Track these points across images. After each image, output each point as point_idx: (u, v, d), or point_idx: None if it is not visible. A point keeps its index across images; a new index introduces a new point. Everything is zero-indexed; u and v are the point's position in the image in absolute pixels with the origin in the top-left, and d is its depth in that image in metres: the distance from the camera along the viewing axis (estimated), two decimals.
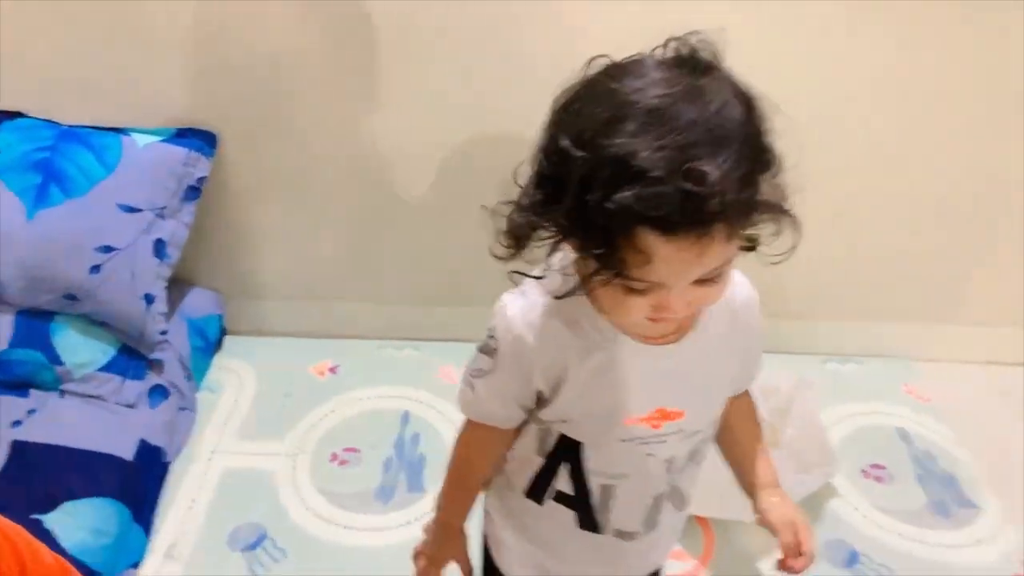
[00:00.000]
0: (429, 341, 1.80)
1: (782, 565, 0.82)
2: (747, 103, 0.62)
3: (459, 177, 1.64)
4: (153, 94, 1.62)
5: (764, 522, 0.85)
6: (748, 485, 0.87)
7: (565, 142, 0.61)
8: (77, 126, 1.58)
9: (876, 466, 1.55)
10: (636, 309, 0.65)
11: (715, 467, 0.97)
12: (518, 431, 0.82)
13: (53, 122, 1.58)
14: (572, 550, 0.85)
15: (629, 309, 0.65)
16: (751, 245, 0.67)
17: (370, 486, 1.48)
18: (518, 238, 0.68)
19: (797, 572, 0.82)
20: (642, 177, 0.56)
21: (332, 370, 1.76)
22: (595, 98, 0.62)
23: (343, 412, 1.65)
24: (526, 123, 0.71)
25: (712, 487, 1.35)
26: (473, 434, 0.83)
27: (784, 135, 0.65)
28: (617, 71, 0.63)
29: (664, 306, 0.64)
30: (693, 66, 0.62)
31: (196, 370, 1.68)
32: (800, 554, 0.81)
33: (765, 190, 0.62)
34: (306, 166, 1.68)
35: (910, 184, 1.64)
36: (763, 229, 0.65)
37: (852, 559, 1.38)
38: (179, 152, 1.59)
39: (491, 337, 0.75)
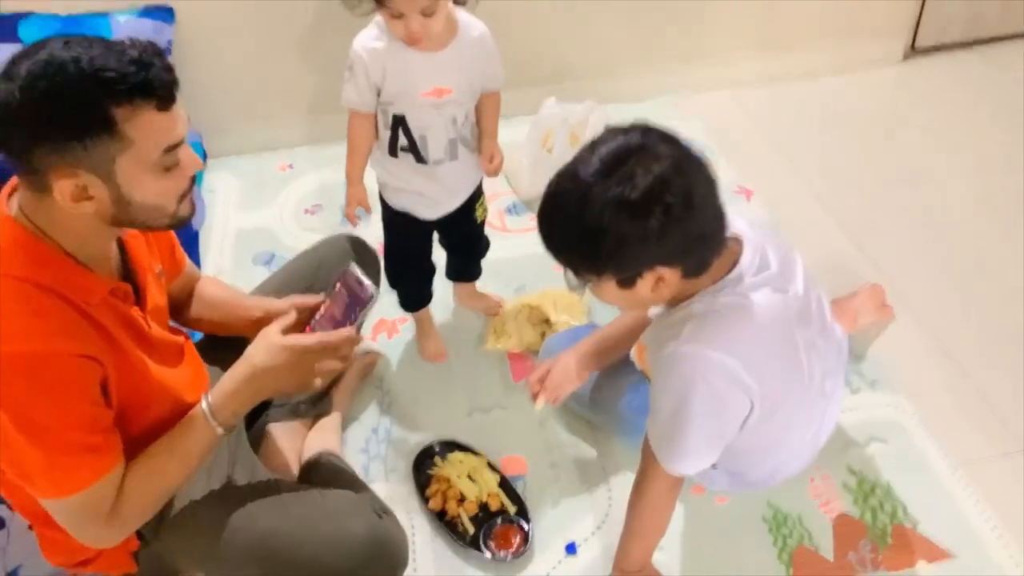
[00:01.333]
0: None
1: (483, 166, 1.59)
2: None
3: None
4: None
5: (481, 149, 1.57)
6: (483, 135, 1.57)
7: None
8: (74, 15, 2.23)
9: None
10: (397, 28, 1.35)
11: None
12: (375, 124, 1.50)
13: (55, 14, 2.23)
14: (414, 176, 1.55)
15: (395, 27, 1.36)
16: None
17: (336, 219, 2.26)
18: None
19: (491, 175, 1.61)
20: None
21: (290, 167, 2.51)
22: None
23: (304, 188, 2.42)
24: None
25: (539, 173, 2.20)
26: (352, 120, 1.50)
27: None
28: None
29: (409, 27, 1.33)
30: None
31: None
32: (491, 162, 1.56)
33: None
34: (244, 24, 2.36)
35: None
36: None
37: None
38: (149, 23, 2.26)
39: (349, 59, 1.45)
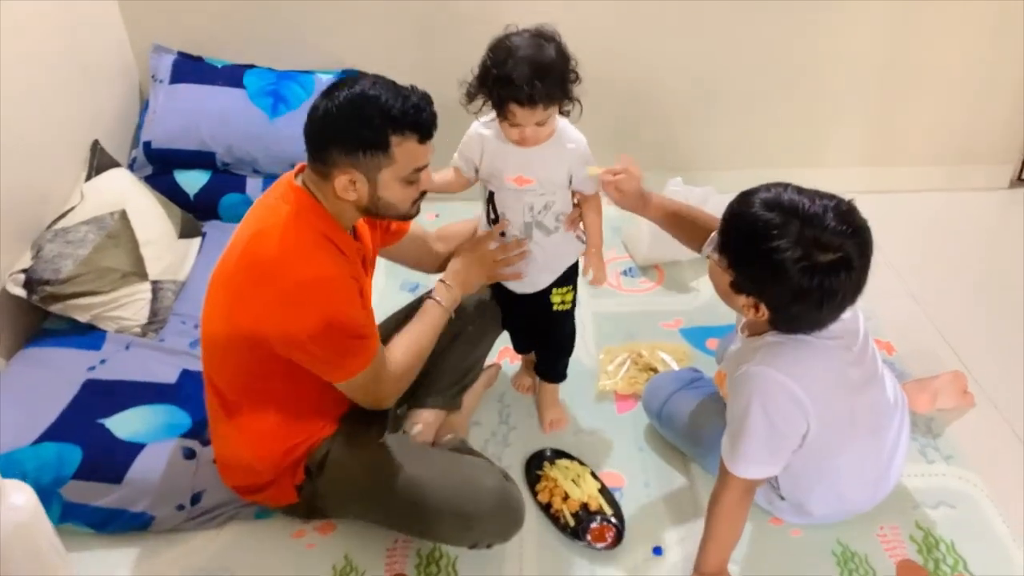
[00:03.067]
0: None
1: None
2: (561, 53, 1.52)
3: None
4: (326, 49, 2.74)
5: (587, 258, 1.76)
6: (588, 246, 1.76)
7: (487, 62, 1.54)
8: (287, 70, 2.71)
9: None
10: (512, 133, 1.57)
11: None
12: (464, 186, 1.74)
13: (273, 69, 2.71)
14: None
15: (510, 132, 1.58)
16: (567, 112, 1.61)
17: None
18: (469, 98, 1.59)
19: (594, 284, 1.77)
20: (511, 82, 1.48)
21: (436, 216, 2.87)
22: (499, 46, 1.53)
23: None
24: None
25: (656, 244, 2.50)
26: (452, 171, 1.74)
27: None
28: (509, 34, 1.53)
29: (523, 134, 1.55)
30: (539, 35, 1.52)
31: None
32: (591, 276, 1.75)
33: (563, 90, 1.54)
34: None
35: (776, 75, 2.76)
36: (569, 106, 1.59)
37: None
38: None
39: (467, 134, 1.69)
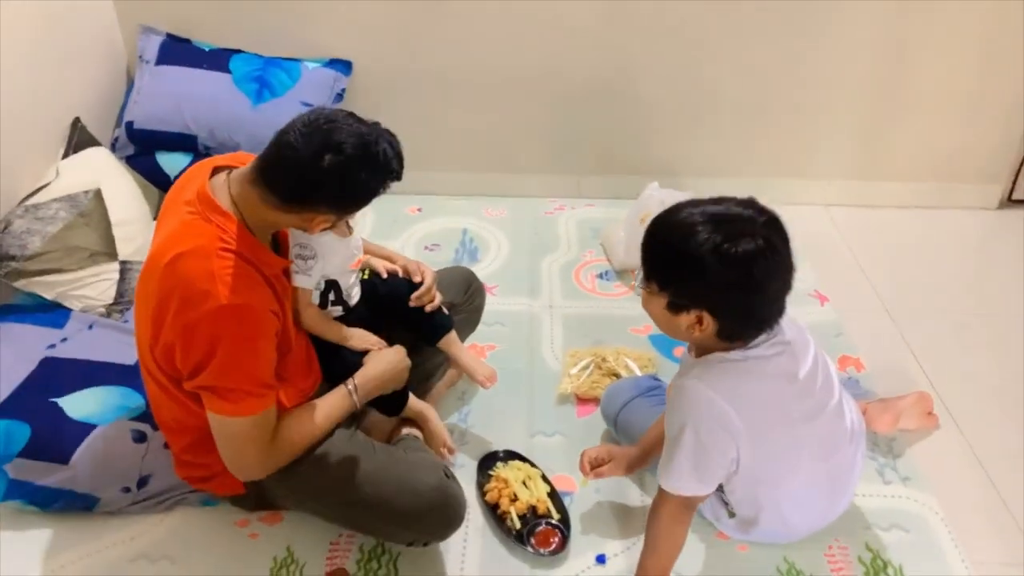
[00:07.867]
0: (476, 196, 2.94)
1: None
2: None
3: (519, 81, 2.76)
4: (316, 38, 2.73)
5: None
6: None
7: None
8: (274, 57, 2.70)
9: None
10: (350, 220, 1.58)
11: None
12: None
13: (260, 55, 2.70)
14: None
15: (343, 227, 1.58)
16: None
17: (450, 258, 2.59)
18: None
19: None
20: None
21: (419, 210, 2.87)
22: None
23: (428, 229, 2.77)
24: None
25: (633, 249, 2.44)
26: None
27: None
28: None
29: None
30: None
31: None
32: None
33: None
34: (407, 83, 2.78)
35: (765, 86, 2.73)
36: None
37: None
38: (330, 73, 2.70)
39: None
